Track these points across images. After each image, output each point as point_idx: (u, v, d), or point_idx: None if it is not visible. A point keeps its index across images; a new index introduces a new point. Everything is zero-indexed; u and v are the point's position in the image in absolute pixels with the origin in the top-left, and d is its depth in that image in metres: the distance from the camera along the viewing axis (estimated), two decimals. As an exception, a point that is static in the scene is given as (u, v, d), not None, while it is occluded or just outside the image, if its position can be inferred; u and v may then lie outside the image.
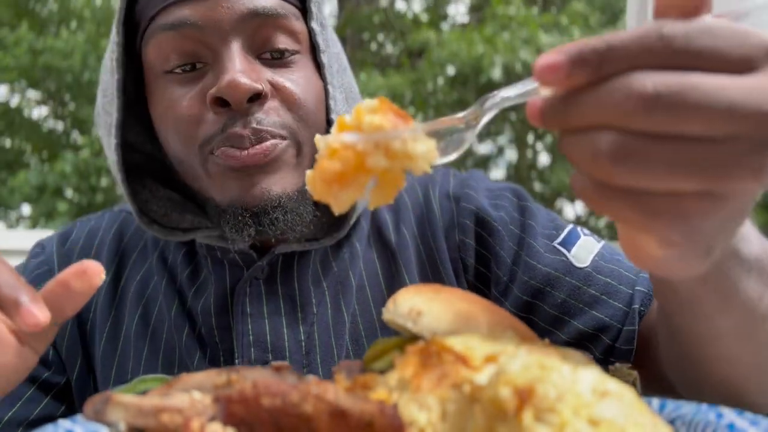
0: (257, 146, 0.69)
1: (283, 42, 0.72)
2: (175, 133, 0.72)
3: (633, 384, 0.50)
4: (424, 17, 9.01)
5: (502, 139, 8.98)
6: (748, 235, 0.48)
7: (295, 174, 0.73)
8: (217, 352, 0.76)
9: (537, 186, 9.28)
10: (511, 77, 7.04)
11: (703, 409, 0.40)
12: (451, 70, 7.75)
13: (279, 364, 0.40)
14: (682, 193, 0.34)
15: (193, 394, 0.35)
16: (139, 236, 0.86)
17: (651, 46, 0.33)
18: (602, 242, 0.81)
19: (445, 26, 9.20)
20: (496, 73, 6.49)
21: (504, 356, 0.36)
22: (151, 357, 0.77)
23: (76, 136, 8.31)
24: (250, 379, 0.35)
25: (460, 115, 0.41)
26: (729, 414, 0.39)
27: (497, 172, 9.22)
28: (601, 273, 0.76)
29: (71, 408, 0.80)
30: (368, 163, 0.39)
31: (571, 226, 0.82)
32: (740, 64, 0.33)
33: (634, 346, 0.71)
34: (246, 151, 0.68)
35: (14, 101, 8.22)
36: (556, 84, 0.35)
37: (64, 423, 0.44)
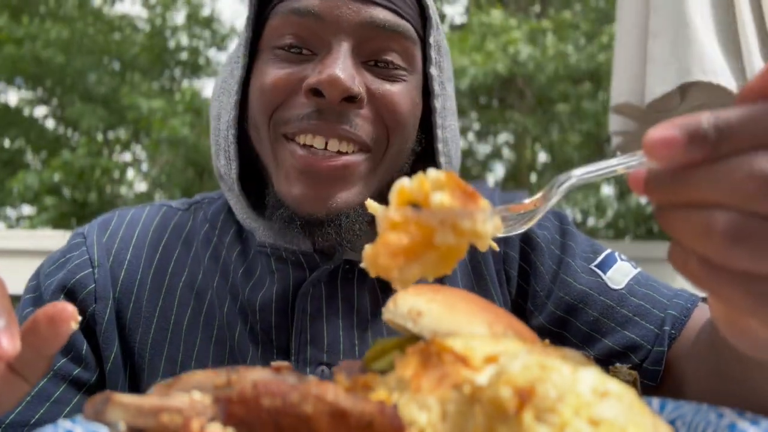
0: (339, 158, 0.72)
1: (392, 56, 0.76)
2: (261, 98, 0.75)
3: (633, 384, 0.50)
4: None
5: (501, 139, 8.98)
6: None
7: (363, 187, 0.75)
8: (272, 349, 0.77)
9: (535, 188, 9.27)
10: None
11: (704, 409, 0.40)
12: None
13: (279, 365, 0.40)
14: None
15: (193, 395, 0.35)
16: (180, 230, 0.87)
17: None
18: (638, 269, 0.84)
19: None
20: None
21: (504, 356, 0.36)
22: (203, 349, 0.78)
23: (70, 134, 8.31)
24: (250, 379, 0.35)
25: (533, 198, 0.42)
26: (729, 414, 0.39)
27: (497, 172, 9.22)
28: (635, 296, 0.79)
29: None
30: (436, 239, 0.40)
31: (609, 251, 0.86)
32: None
33: (662, 367, 0.73)
34: (326, 163, 0.71)
35: (9, 99, 8.22)
36: (668, 160, 0.34)
37: (64, 423, 0.44)
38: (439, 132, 0.79)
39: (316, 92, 0.71)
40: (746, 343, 0.39)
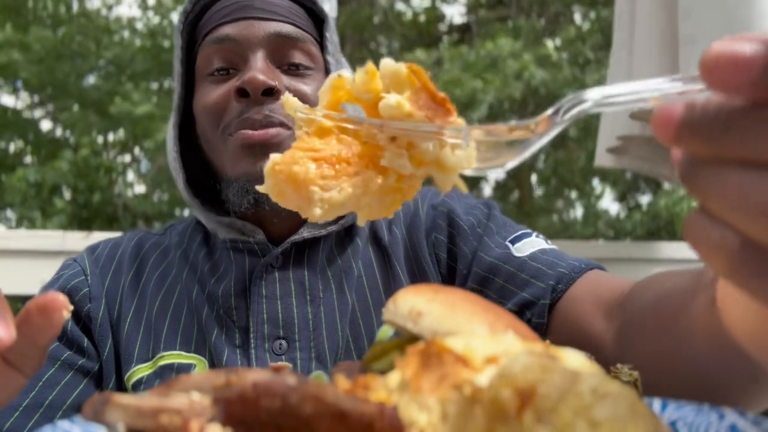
0: (267, 129, 0.86)
1: (299, 58, 0.92)
2: (206, 116, 0.91)
3: (634, 385, 0.50)
4: (422, 18, 9.01)
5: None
6: None
7: None
8: (234, 328, 0.88)
9: (536, 188, 9.27)
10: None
11: (705, 410, 0.40)
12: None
13: (279, 365, 0.40)
14: None
15: (192, 395, 0.35)
16: (157, 246, 1.02)
17: None
18: (552, 246, 0.90)
19: (442, 27, 9.19)
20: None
21: (505, 357, 0.36)
22: (170, 335, 0.89)
23: (68, 135, 8.31)
24: (250, 380, 0.35)
25: (532, 121, 0.29)
26: (731, 415, 0.39)
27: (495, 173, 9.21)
28: (536, 261, 0.86)
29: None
30: (384, 159, 0.28)
31: (528, 230, 0.94)
32: None
33: (544, 319, 0.80)
34: (257, 131, 0.86)
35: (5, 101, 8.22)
36: (736, 91, 0.23)
37: (62, 424, 0.44)
38: None
39: (242, 93, 0.87)
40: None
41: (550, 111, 0.29)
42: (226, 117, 0.89)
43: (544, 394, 0.31)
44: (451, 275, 0.95)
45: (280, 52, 0.91)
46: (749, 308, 0.33)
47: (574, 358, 0.37)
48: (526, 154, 0.28)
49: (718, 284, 0.39)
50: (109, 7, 8.55)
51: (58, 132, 8.45)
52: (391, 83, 0.29)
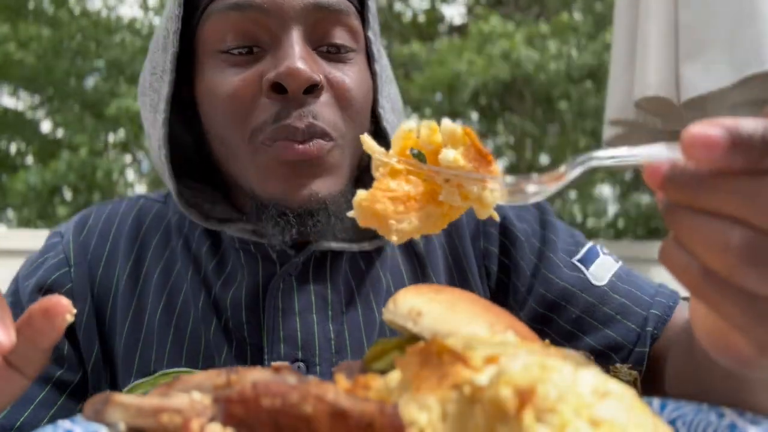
0: (311, 143, 0.68)
1: (341, 38, 0.72)
2: (225, 113, 0.71)
3: (633, 384, 0.50)
4: (422, 18, 9.01)
5: (501, 140, 8.99)
6: None
7: (340, 176, 0.73)
8: (245, 346, 0.75)
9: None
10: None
11: (704, 409, 0.40)
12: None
13: (279, 365, 0.40)
14: None
15: (192, 395, 0.35)
16: (158, 222, 0.84)
17: None
18: (620, 263, 0.82)
19: (441, 27, 9.20)
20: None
21: (504, 357, 0.36)
22: (175, 349, 0.76)
23: (68, 136, 8.32)
24: (250, 379, 0.35)
25: (552, 173, 0.39)
26: (730, 414, 0.39)
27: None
28: (618, 293, 0.78)
29: None
30: (441, 196, 0.38)
31: (590, 244, 0.83)
32: None
33: (643, 367, 0.72)
34: (301, 145, 0.68)
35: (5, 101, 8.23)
36: (705, 162, 0.31)
37: (63, 423, 0.44)
38: (379, 98, 0.77)
39: (278, 89, 0.68)
40: (728, 358, 0.37)
41: (566, 166, 0.39)
42: (256, 118, 0.69)
43: (543, 394, 0.31)
44: (502, 291, 0.83)
45: (320, 28, 0.71)
46: (708, 314, 0.38)
47: (573, 358, 0.37)
48: (545, 195, 0.39)
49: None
50: (111, 9, 8.55)
51: (60, 133, 8.46)
52: (448, 139, 0.39)
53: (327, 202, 0.71)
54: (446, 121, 0.39)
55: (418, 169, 0.38)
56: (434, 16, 9.28)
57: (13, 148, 8.40)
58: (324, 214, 0.71)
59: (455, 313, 0.45)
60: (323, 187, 0.71)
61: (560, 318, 0.78)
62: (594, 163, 0.38)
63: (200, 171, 0.82)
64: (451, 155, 0.37)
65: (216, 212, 0.78)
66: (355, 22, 0.74)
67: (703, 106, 1.70)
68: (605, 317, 0.76)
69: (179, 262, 0.80)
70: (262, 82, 0.69)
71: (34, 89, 8.28)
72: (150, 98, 0.77)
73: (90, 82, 8.22)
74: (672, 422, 0.41)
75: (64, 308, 0.44)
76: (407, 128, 0.39)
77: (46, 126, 8.62)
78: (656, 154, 0.35)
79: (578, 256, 0.81)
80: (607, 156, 0.37)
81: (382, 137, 0.78)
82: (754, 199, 0.31)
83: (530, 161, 8.71)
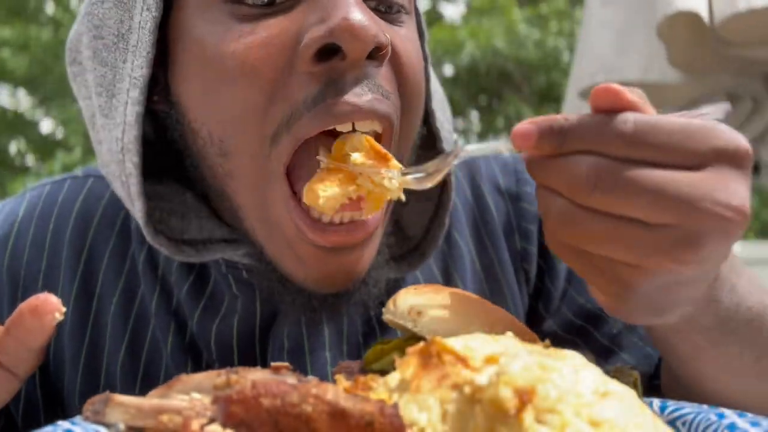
0: (359, 227, 0.52)
1: None
2: (231, 97, 0.49)
3: (634, 385, 0.50)
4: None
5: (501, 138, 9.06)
6: (743, 292, 0.49)
7: (383, 218, 0.58)
8: None
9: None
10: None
11: (704, 409, 0.40)
12: (448, 70, 7.90)
13: (278, 365, 0.40)
14: (617, 261, 0.39)
15: (192, 395, 0.35)
16: (113, 218, 0.63)
17: (606, 134, 0.38)
18: None
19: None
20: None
21: (504, 357, 0.36)
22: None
23: (62, 135, 8.32)
24: (250, 379, 0.35)
25: (429, 164, 0.49)
26: (730, 415, 0.39)
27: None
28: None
29: None
30: (358, 181, 0.52)
31: None
32: (687, 161, 0.38)
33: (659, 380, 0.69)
34: (346, 235, 0.52)
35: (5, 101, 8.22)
36: (525, 149, 0.41)
37: (63, 424, 0.44)
38: (431, 88, 0.63)
39: (327, 52, 0.48)
40: (601, 304, 0.44)
41: (439, 159, 0.49)
42: (283, 103, 0.49)
43: (543, 394, 0.31)
44: (535, 296, 0.72)
45: None
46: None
47: (573, 358, 0.37)
48: (436, 179, 0.49)
49: None
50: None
51: (60, 134, 8.46)
52: (360, 145, 0.52)
53: (365, 274, 0.57)
54: (355, 134, 0.52)
55: (343, 166, 0.51)
56: (434, 16, 9.31)
57: (13, 148, 8.41)
58: (362, 284, 0.58)
59: (455, 313, 0.45)
60: (367, 258, 0.56)
61: (599, 331, 0.69)
62: (464, 155, 0.47)
63: (156, 156, 0.59)
64: (357, 156, 0.50)
65: (191, 228, 0.57)
66: None
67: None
68: (645, 332, 0.67)
69: (142, 282, 0.61)
70: (298, 46, 0.48)
71: (32, 88, 8.29)
72: (96, 75, 0.55)
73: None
74: (672, 422, 0.41)
75: (53, 306, 0.42)
76: (341, 140, 0.52)
77: (46, 126, 8.62)
78: (502, 145, 0.44)
79: None
80: (474, 148, 0.47)
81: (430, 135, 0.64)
82: (557, 174, 0.40)
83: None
